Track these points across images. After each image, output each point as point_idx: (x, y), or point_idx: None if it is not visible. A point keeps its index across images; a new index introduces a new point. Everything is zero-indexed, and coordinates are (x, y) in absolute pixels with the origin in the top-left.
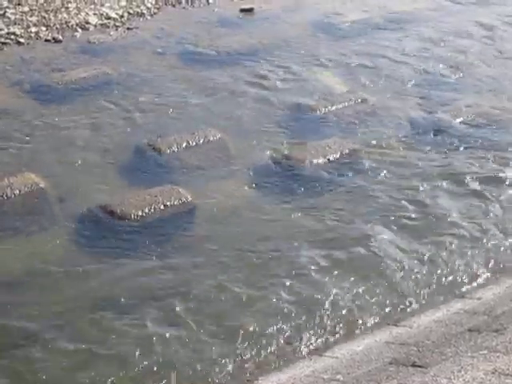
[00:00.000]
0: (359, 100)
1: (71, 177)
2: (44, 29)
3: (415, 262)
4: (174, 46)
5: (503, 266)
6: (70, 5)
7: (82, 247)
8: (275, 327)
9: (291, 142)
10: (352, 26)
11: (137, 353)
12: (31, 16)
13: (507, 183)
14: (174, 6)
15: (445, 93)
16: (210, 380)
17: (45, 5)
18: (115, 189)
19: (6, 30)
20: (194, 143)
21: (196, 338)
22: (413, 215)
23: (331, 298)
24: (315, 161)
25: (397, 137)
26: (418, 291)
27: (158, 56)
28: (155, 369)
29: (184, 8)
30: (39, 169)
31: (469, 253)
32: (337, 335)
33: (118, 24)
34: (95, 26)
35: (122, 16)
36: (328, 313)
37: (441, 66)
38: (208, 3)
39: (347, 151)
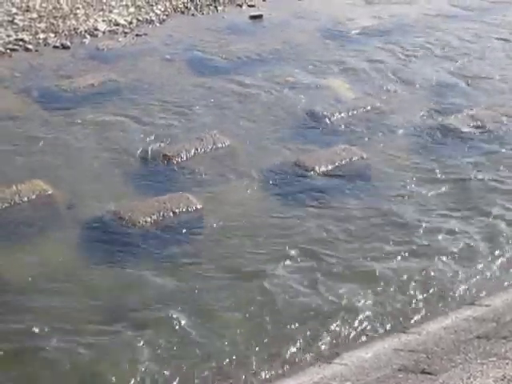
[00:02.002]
0: (369, 107)
1: (80, 183)
2: (52, 35)
3: (424, 269)
4: (183, 52)
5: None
6: (78, 11)
7: (91, 254)
8: (284, 333)
9: (301, 148)
10: (361, 33)
11: (142, 359)
12: (40, 22)
13: None
14: (182, 12)
15: (455, 99)
16: None
17: (53, 11)
18: (124, 195)
19: (14, 37)
20: (203, 150)
21: (205, 344)
22: (420, 222)
23: (340, 304)
24: (325, 168)
25: (406, 144)
26: (427, 298)
27: (166, 63)
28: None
29: (193, 15)
30: (47, 175)
31: (477, 259)
32: (346, 342)
33: (126, 30)
34: (104, 32)
35: (130, 22)
36: (337, 319)
37: (451, 72)
38: (217, 10)
39: (357, 158)
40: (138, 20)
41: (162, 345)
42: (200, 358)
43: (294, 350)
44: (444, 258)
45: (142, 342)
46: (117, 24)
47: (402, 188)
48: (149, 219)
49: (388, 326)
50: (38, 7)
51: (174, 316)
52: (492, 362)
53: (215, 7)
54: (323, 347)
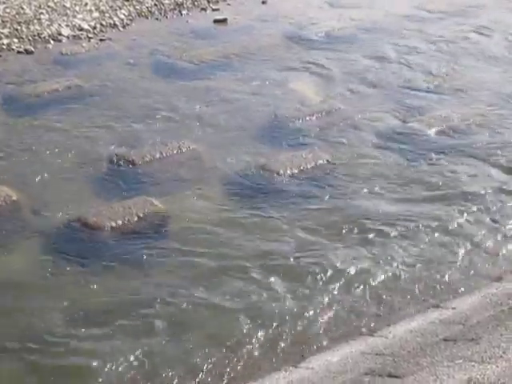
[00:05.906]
0: (334, 110)
1: (44, 189)
2: (16, 40)
3: (391, 272)
4: (147, 57)
5: (478, 276)
6: (42, 16)
7: (56, 259)
8: (250, 338)
9: (266, 152)
10: (326, 36)
11: (107, 365)
12: (3, 28)
13: (479, 192)
14: (146, 17)
15: (420, 102)
16: None
17: (17, 16)
18: (89, 200)
19: None
20: (168, 154)
21: (171, 350)
22: (386, 225)
23: (305, 308)
24: (290, 171)
25: (371, 146)
26: (393, 301)
27: (130, 67)
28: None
29: (157, 19)
30: (12, 181)
31: (444, 262)
32: (312, 346)
33: (90, 35)
34: (68, 37)
35: (94, 27)
36: (303, 323)
37: (415, 74)
38: (181, 14)
39: (322, 162)
40: (102, 25)
41: (117, 351)
42: (166, 364)
43: (259, 354)
44: (408, 260)
45: (104, 351)
46: (81, 29)
47: (368, 191)
48: (114, 224)
49: (354, 329)
50: (1, 13)
51: (139, 320)
52: (458, 365)
53: (179, 11)
54: (289, 351)
